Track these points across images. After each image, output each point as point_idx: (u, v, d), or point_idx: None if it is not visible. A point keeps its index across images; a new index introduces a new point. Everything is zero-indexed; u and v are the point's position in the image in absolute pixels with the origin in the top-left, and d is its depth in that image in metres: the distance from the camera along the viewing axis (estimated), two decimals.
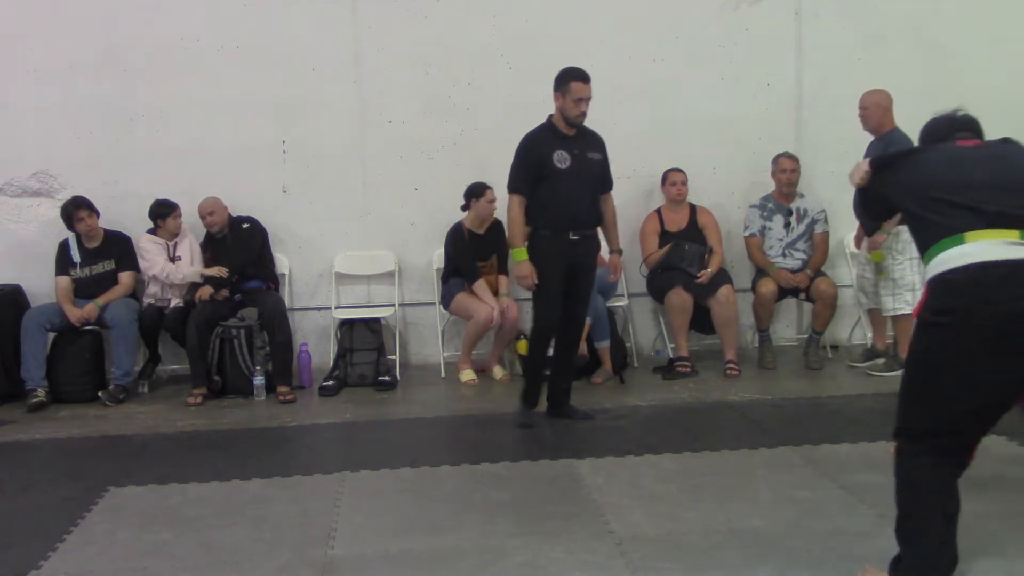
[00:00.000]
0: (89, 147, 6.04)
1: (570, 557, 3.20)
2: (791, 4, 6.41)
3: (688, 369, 5.80)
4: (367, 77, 6.21)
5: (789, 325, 6.69)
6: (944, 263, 2.68)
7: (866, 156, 5.12)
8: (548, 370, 4.94)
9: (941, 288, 2.68)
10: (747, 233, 6.14)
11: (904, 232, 4.82)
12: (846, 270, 6.38)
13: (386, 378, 5.78)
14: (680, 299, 5.81)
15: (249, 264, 5.80)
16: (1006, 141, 2.95)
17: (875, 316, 5.83)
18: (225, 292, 5.68)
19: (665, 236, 6.07)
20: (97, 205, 5.75)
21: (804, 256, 6.05)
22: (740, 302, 6.02)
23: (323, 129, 6.18)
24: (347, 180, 6.25)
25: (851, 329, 6.43)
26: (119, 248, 5.83)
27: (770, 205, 6.10)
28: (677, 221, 6.11)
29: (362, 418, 5.16)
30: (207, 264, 5.81)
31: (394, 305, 6.26)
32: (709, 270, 5.90)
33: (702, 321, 5.99)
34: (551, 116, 4.76)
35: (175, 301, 5.77)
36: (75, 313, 5.58)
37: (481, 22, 6.22)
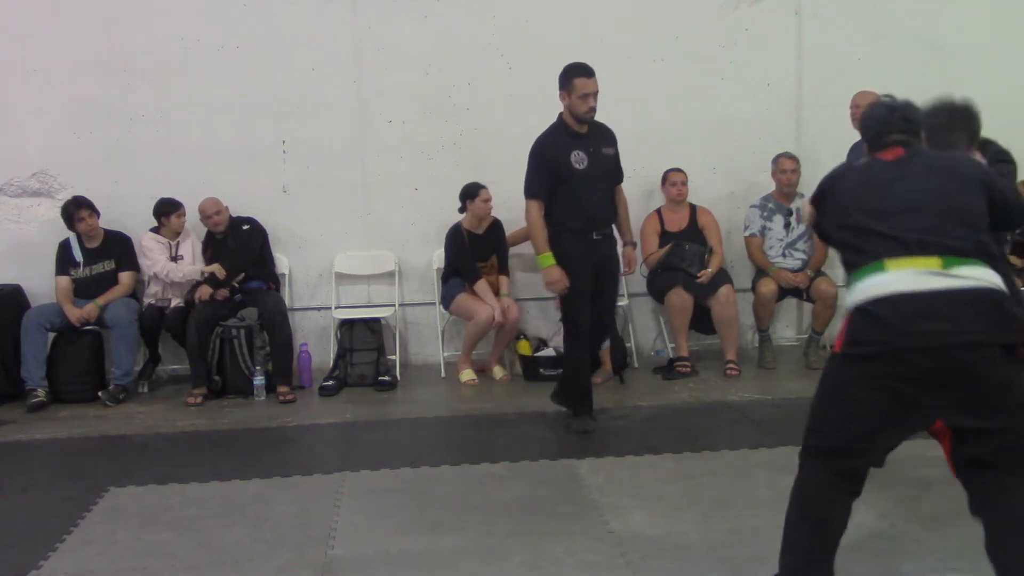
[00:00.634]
0: (89, 147, 6.04)
1: (570, 557, 3.20)
2: (791, 4, 6.41)
3: (688, 369, 5.80)
4: (367, 77, 6.20)
5: (789, 325, 6.69)
6: (864, 292, 2.59)
7: (849, 156, 5.14)
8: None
9: (859, 318, 2.59)
10: (747, 233, 6.14)
11: None
12: None
13: (386, 378, 5.78)
14: (680, 299, 5.81)
15: (249, 264, 5.80)
16: (985, 147, 2.86)
17: None
18: (225, 292, 5.68)
19: (665, 236, 6.07)
20: (97, 205, 5.75)
21: (804, 256, 6.05)
22: (740, 302, 6.02)
23: (323, 129, 6.17)
24: (347, 180, 6.24)
25: None
26: (119, 248, 5.83)
27: (770, 205, 6.10)
28: (677, 221, 6.11)
29: (362, 418, 5.16)
30: (207, 264, 5.81)
31: (394, 305, 6.26)
32: (709, 270, 5.90)
33: (702, 321, 5.99)
34: (561, 115, 4.67)
35: (175, 301, 5.77)
36: (75, 313, 5.58)
37: (481, 22, 6.21)
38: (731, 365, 5.80)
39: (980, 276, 2.52)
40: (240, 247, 5.79)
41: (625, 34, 6.24)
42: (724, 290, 5.85)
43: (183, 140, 6.05)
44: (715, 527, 3.42)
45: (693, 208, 6.16)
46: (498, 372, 5.94)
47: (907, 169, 2.70)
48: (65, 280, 5.73)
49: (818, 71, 6.40)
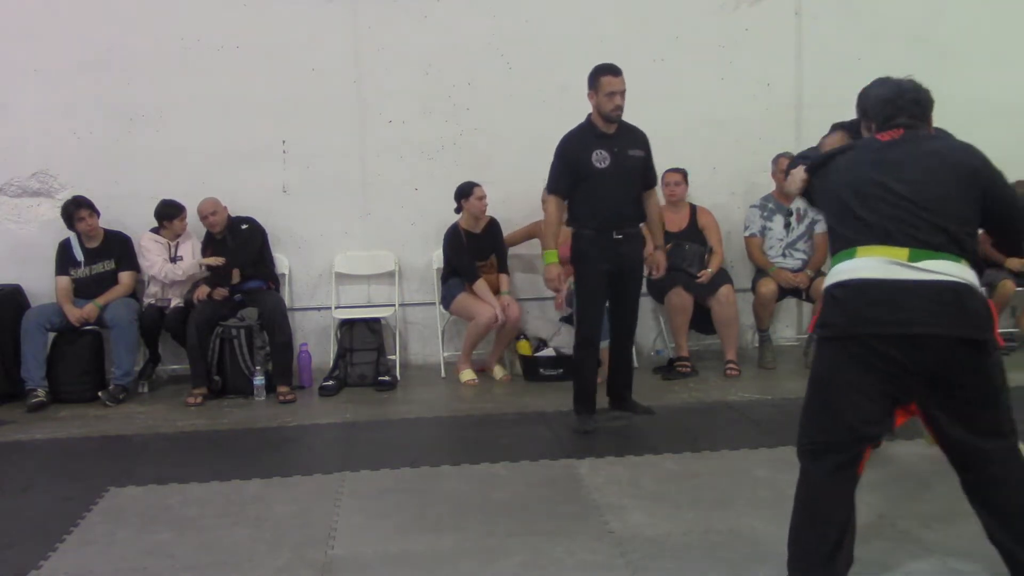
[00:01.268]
0: (89, 147, 6.04)
1: (570, 557, 3.20)
2: (791, 4, 6.41)
3: (688, 369, 5.81)
4: (367, 77, 6.21)
5: (789, 325, 6.69)
6: (834, 276, 2.66)
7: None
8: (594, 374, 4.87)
9: (827, 301, 2.67)
10: (747, 233, 6.14)
11: None
12: None
13: (386, 378, 5.78)
14: (680, 299, 5.81)
15: (248, 264, 5.80)
16: (936, 135, 2.81)
17: None
18: (224, 292, 5.68)
19: (665, 236, 6.05)
20: (97, 205, 5.75)
21: (804, 256, 6.05)
22: (740, 302, 6.03)
23: (323, 129, 6.18)
24: (347, 180, 6.25)
25: None
26: (119, 248, 5.84)
27: (770, 205, 6.10)
28: (677, 221, 6.10)
29: (362, 418, 5.16)
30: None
31: (394, 305, 6.26)
32: (709, 270, 5.90)
33: (702, 321, 5.99)
34: (589, 115, 4.71)
35: (175, 301, 5.77)
36: (75, 313, 5.58)
37: (481, 22, 6.22)
38: (731, 365, 5.80)
39: (945, 270, 2.53)
40: (239, 247, 5.79)
41: (625, 34, 6.23)
42: (724, 290, 5.85)
43: (183, 140, 6.06)
44: (715, 527, 3.42)
45: (693, 208, 6.16)
46: (498, 372, 5.94)
47: (896, 153, 2.70)
48: (65, 280, 5.73)
49: (818, 71, 6.40)
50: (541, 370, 5.82)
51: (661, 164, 6.14)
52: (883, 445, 3.12)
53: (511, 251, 6.15)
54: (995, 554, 2.69)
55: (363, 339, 5.89)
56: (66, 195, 5.89)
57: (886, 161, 2.69)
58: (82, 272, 5.75)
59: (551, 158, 4.75)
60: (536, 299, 6.32)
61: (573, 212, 4.71)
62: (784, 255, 6.05)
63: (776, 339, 6.29)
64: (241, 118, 6.09)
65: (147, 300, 5.84)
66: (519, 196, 6.16)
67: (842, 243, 2.70)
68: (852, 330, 2.59)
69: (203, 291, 5.63)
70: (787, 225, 6.06)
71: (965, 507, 2.76)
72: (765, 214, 6.09)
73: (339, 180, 6.24)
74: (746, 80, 6.37)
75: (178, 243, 5.85)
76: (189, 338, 5.50)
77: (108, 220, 5.87)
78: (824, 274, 5.97)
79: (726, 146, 6.40)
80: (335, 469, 4.20)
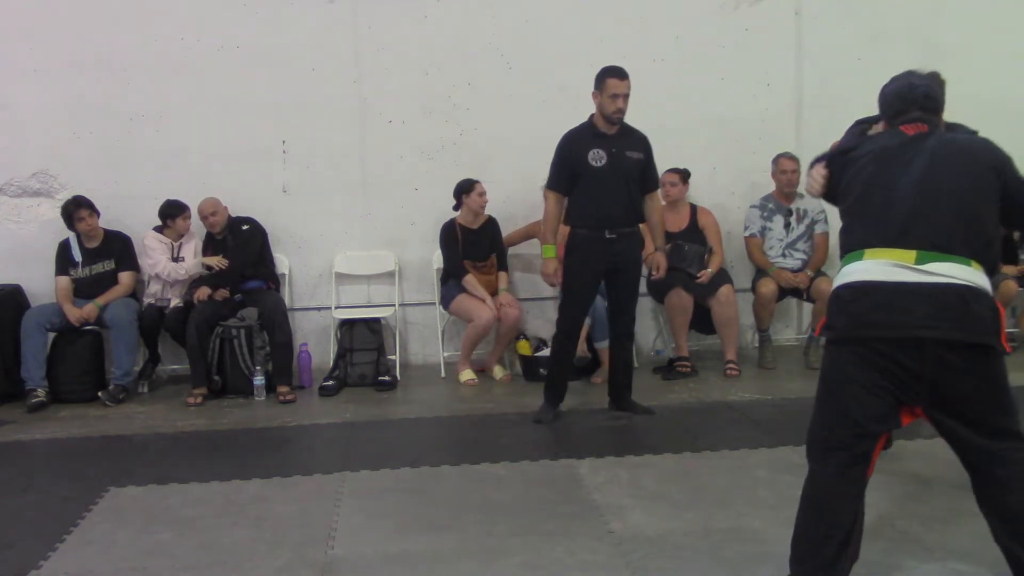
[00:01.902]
0: (89, 147, 6.04)
1: (570, 557, 3.20)
2: (791, 4, 6.41)
3: (688, 369, 5.81)
4: (367, 77, 6.21)
5: (789, 325, 6.70)
6: (842, 277, 2.66)
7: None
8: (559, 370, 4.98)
9: (833, 302, 2.68)
10: (747, 233, 6.14)
11: None
12: None
13: (386, 378, 5.78)
14: (680, 300, 5.81)
15: (249, 264, 5.80)
16: (952, 130, 2.79)
17: None
18: (225, 292, 5.68)
19: (665, 236, 6.05)
20: (97, 205, 5.75)
21: (804, 256, 6.05)
22: (740, 302, 6.02)
23: (323, 129, 6.18)
24: (347, 180, 6.25)
25: None
26: (119, 248, 5.83)
27: (770, 205, 6.10)
28: (677, 221, 6.09)
29: (362, 418, 5.16)
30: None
31: (394, 305, 6.26)
32: (709, 270, 5.90)
33: (702, 321, 5.99)
34: (592, 115, 4.80)
35: (175, 301, 5.77)
36: (75, 313, 5.58)
37: (481, 22, 6.22)
38: (731, 365, 5.80)
39: (951, 273, 2.51)
40: (240, 247, 5.79)
41: (625, 34, 6.24)
42: (724, 290, 5.85)
43: (183, 140, 6.06)
44: (715, 527, 3.42)
45: (694, 208, 6.16)
46: (498, 372, 5.94)
47: (915, 149, 2.67)
48: (65, 280, 5.73)
49: (818, 71, 6.41)
50: (541, 370, 5.79)
51: (661, 164, 6.14)
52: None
53: (511, 251, 6.16)
54: (997, 555, 2.69)
55: (363, 339, 5.89)
56: (66, 195, 5.88)
57: (903, 157, 2.67)
58: (82, 272, 5.75)
59: (551, 157, 4.82)
60: (536, 299, 6.33)
61: (569, 210, 4.80)
62: (784, 255, 6.05)
63: (776, 339, 6.29)
64: (241, 118, 6.09)
65: (147, 300, 5.84)
66: (519, 196, 6.17)
67: (853, 241, 2.69)
68: (855, 333, 2.59)
69: (204, 291, 5.63)
70: (787, 225, 6.06)
71: (966, 507, 2.76)
72: (765, 214, 6.09)
73: (339, 180, 6.24)
74: (746, 80, 6.37)
75: (181, 243, 5.85)
76: (189, 338, 5.50)
77: (108, 220, 5.87)
78: (824, 274, 6.00)
79: (726, 146, 6.40)
80: (335, 469, 4.20)
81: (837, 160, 2.87)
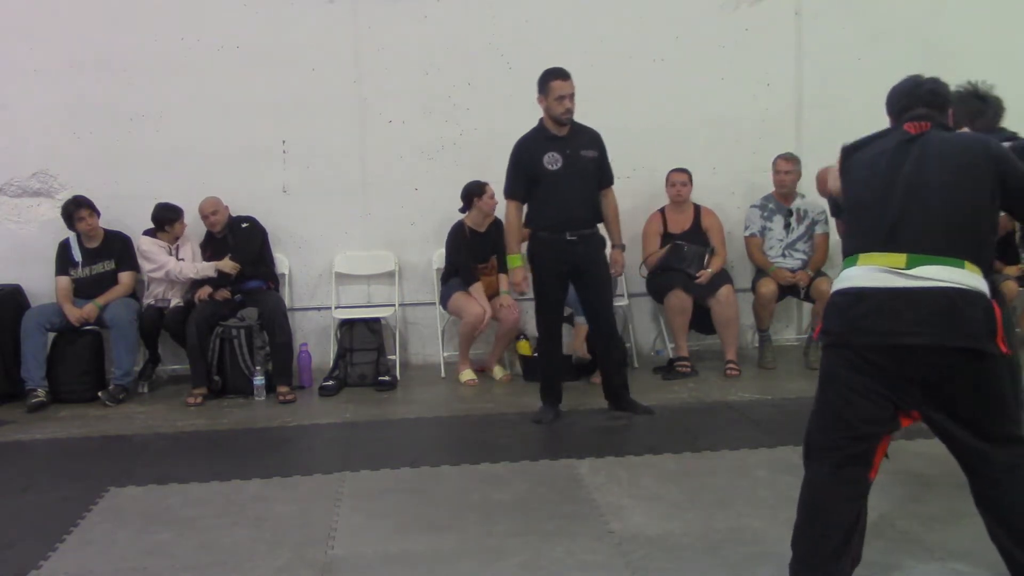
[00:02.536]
0: (89, 147, 6.04)
1: (570, 557, 3.20)
2: (791, 4, 6.41)
3: (688, 369, 5.80)
4: (367, 77, 6.21)
5: (789, 325, 6.69)
6: (839, 282, 2.67)
7: None
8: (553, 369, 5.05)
9: (828, 307, 2.69)
10: (747, 233, 6.13)
11: None
12: None
13: (386, 378, 5.78)
14: (679, 300, 5.81)
15: (249, 264, 5.79)
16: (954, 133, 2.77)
17: None
18: (225, 292, 5.68)
19: (667, 237, 6.05)
20: (97, 205, 5.75)
21: (804, 257, 6.05)
22: (740, 302, 6.02)
23: (323, 129, 6.18)
24: (347, 180, 6.25)
25: None
26: (119, 248, 5.83)
27: (770, 205, 6.10)
28: (681, 222, 6.09)
29: (362, 418, 5.16)
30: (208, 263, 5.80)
31: (394, 305, 6.26)
32: (709, 270, 5.89)
33: (702, 321, 5.99)
34: (541, 119, 4.82)
35: (175, 301, 5.77)
36: (75, 313, 5.58)
37: (481, 22, 6.22)
38: (731, 365, 5.80)
39: (942, 276, 2.50)
40: (239, 246, 5.78)
41: (625, 34, 6.24)
42: (724, 290, 5.85)
43: (183, 140, 6.06)
44: (715, 527, 3.42)
45: (697, 209, 6.15)
46: (498, 372, 5.94)
47: (910, 150, 2.66)
48: (65, 280, 5.73)
49: (818, 71, 6.40)
50: None
51: (661, 164, 6.19)
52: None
53: None
54: (997, 555, 2.69)
55: (363, 339, 5.89)
56: (66, 195, 5.88)
57: (898, 158, 2.66)
58: (82, 272, 5.74)
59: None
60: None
61: (529, 215, 4.84)
62: (784, 255, 6.05)
63: (776, 339, 6.28)
64: (241, 118, 6.09)
65: (147, 300, 5.84)
66: None
67: (851, 244, 2.70)
68: (847, 339, 2.60)
69: (205, 291, 5.63)
70: (787, 225, 6.05)
71: (966, 507, 2.76)
72: (765, 214, 6.09)
73: (339, 180, 6.24)
74: (746, 80, 6.37)
75: (178, 246, 5.84)
76: (189, 338, 5.50)
77: (108, 220, 5.87)
78: (824, 274, 6.00)
79: (726, 146, 6.40)
80: (335, 469, 4.20)
81: (843, 162, 2.87)
